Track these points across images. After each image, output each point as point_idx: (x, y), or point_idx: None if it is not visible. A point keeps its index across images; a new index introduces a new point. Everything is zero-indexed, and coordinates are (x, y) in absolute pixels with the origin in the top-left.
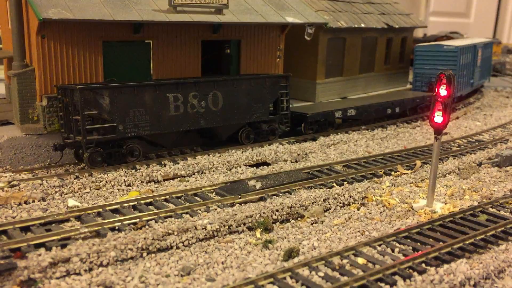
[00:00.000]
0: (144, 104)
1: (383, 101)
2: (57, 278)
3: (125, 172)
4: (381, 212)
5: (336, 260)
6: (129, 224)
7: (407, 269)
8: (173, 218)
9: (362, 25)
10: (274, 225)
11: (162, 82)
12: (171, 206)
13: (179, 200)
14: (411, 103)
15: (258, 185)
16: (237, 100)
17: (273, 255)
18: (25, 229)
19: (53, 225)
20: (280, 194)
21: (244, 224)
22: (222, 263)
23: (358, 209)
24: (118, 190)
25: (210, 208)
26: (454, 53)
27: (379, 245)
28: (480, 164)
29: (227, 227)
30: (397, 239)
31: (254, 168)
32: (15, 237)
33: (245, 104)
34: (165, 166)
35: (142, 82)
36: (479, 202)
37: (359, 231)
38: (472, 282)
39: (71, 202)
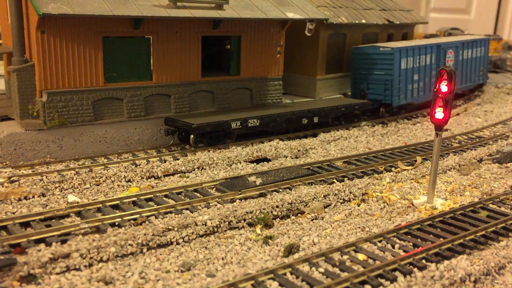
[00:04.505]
0: None
1: (296, 110)
2: (57, 274)
3: (125, 167)
4: (381, 208)
5: (336, 256)
6: (129, 220)
7: (407, 265)
8: (173, 214)
9: (363, 21)
10: (274, 221)
11: None
12: (171, 202)
13: (179, 196)
14: (334, 112)
15: (258, 181)
16: None
17: (273, 251)
18: (25, 225)
19: (53, 220)
20: (281, 190)
21: (244, 220)
22: (222, 259)
23: (359, 205)
24: (118, 185)
25: (210, 204)
26: (390, 55)
27: (380, 241)
28: (480, 161)
29: (227, 223)
30: (398, 235)
31: (254, 164)
32: (15, 233)
33: None
34: (165, 162)
35: None
36: (479, 199)
37: (359, 227)
38: (472, 278)
39: (71, 198)
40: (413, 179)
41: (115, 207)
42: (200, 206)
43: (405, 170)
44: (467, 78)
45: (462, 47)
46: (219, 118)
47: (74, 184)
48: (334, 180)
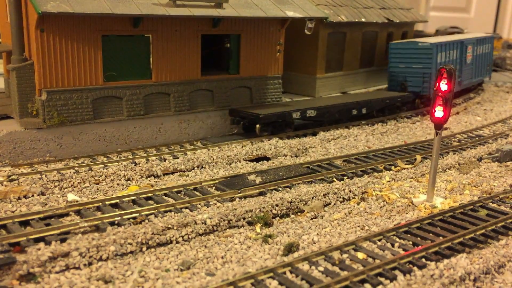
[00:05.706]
0: None
1: (347, 102)
2: (57, 273)
3: (125, 166)
4: (381, 207)
5: (336, 254)
6: (128, 219)
7: (407, 264)
8: (172, 213)
9: (363, 19)
10: (274, 219)
11: None
12: (171, 201)
13: (179, 194)
14: (380, 104)
15: (258, 180)
16: None
17: (273, 250)
18: (25, 223)
19: (53, 219)
20: (280, 188)
21: (244, 218)
22: (222, 257)
23: (358, 204)
24: (118, 184)
25: (210, 203)
26: (429, 50)
27: (379, 240)
28: (480, 159)
29: (226, 221)
30: (397, 234)
31: (254, 162)
32: (15, 231)
33: None
34: (164, 161)
35: None
36: (479, 197)
37: (359, 226)
38: (472, 277)
39: (71, 197)
40: (412, 177)
41: (115, 205)
42: (199, 204)
43: (404, 168)
44: (479, 72)
45: (476, 43)
46: (281, 109)
47: (73, 182)
48: (334, 179)
